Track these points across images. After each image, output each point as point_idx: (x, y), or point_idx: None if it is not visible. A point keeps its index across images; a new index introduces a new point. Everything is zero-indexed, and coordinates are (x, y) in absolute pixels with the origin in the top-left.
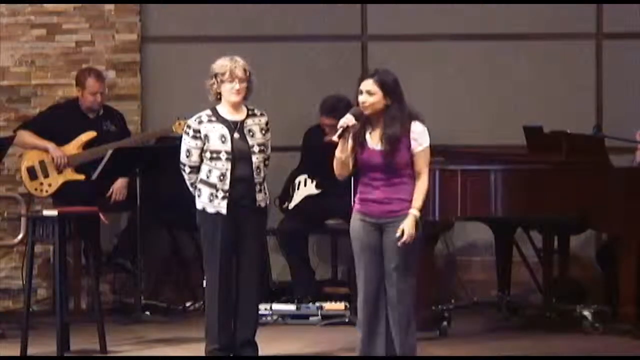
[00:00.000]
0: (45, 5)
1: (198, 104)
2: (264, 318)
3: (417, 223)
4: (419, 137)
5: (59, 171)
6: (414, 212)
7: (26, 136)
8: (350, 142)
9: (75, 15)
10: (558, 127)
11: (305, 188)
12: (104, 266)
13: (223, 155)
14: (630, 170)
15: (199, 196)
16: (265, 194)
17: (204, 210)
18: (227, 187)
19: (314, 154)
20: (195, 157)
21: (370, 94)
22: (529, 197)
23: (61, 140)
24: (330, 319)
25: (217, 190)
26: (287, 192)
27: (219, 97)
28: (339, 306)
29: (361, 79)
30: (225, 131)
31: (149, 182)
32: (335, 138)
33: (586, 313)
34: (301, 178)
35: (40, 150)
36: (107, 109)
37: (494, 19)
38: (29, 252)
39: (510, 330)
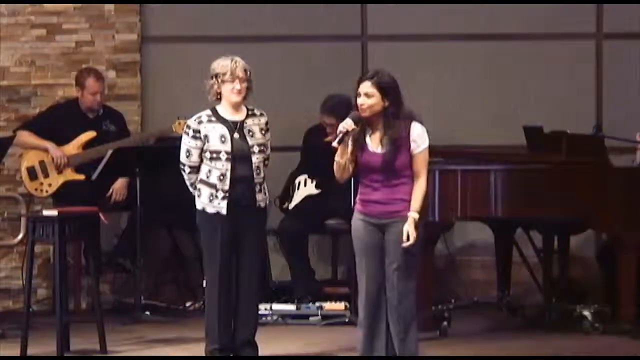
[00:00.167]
0: (45, 5)
1: (198, 104)
2: (264, 318)
3: (417, 226)
4: (418, 138)
5: (59, 171)
6: (413, 214)
7: (26, 136)
8: (350, 146)
9: (75, 15)
10: (558, 127)
11: (305, 188)
12: (104, 266)
13: (223, 156)
14: (630, 170)
15: (198, 196)
16: (265, 194)
17: (203, 210)
18: (227, 187)
19: (314, 154)
20: (195, 157)
21: (368, 97)
22: (529, 197)
23: (61, 140)
24: (330, 319)
25: (217, 191)
26: (287, 192)
27: (218, 97)
28: (339, 306)
29: (359, 81)
30: (225, 131)
31: (149, 182)
32: (335, 144)
33: (586, 313)
34: (301, 178)
35: (40, 150)
36: (107, 109)
37: (494, 19)
38: (29, 252)
39: (510, 330)
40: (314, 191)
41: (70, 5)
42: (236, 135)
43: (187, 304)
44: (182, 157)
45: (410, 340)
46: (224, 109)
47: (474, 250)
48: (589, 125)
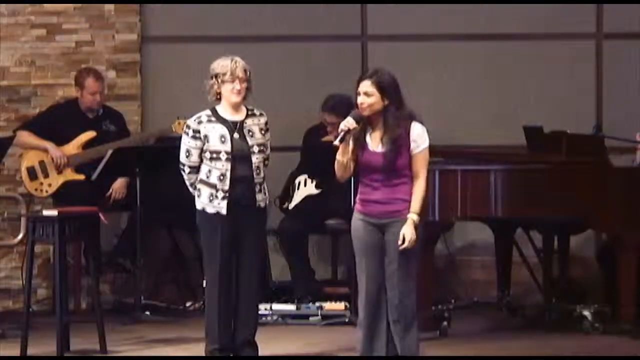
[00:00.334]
0: (45, 5)
1: (198, 104)
2: (264, 318)
3: (417, 227)
4: (418, 138)
5: (59, 171)
6: (412, 216)
7: (26, 136)
8: (350, 145)
9: (75, 15)
10: (558, 127)
11: (305, 188)
12: (104, 266)
13: (223, 156)
14: (630, 170)
15: (198, 196)
16: (265, 194)
17: (203, 210)
18: (227, 187)
19: (314, 154)
20: (194, 157)
21: (368, 95)
22: (529, 197)
23: (61, 140)
24: (330, 319)
25: (217, 191)
26: (287, 192)
27: (218, 98)
28: (339, 306)
29: (359, 80)
30: (224, 131)
31: (149, 182)
32: (336, 142)
33: (586, 313)
34: (301, 178)
35: (40, 150)
36: (107, 109)
37: (494, 19)
38: (29, 252)
39: (510, 330)
40: (314, 191)
41: (70, 5)
42: (236, 135)
43: (187, 304)
44: (182, 157)
45: (411, 340)
46: (223, 109)
47: (474, 250)
48: (589, 125)
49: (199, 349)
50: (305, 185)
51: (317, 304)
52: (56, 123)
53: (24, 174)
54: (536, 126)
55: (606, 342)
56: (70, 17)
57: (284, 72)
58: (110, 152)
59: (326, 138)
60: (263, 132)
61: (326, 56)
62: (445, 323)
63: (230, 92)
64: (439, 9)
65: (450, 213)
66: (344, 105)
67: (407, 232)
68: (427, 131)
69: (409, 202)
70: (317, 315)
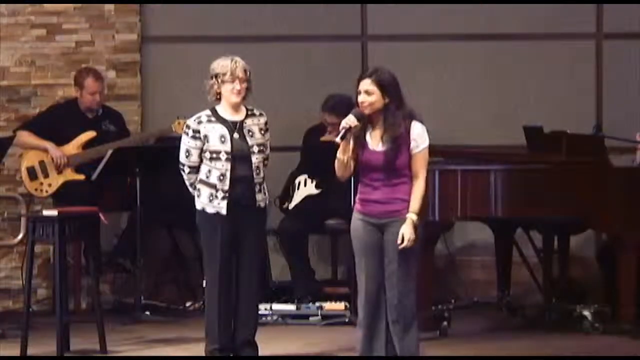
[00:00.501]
0: (45, 5)
1: (198, 104)
2: (264, 318)
3: (416, 227)
4: (418, 137)
5: (59, 171)
6: (411, 216)
7: (26, 136)
8: (351, 143)
9: (75, 15)
10: (558, 127)
11: (305, 188)
12: (104, 266)
13: (223, 156)
14: (630, 170)
15: (198, 196)
16: (265, 194)
17: (203, 210)
18: (226, 187)
19: (314, 154)
20: (194, 157)
21: (368, 94)
22: (529, 197)
23: (61, 140)
24: (330, 319)
25: (216, 191)
26: (287, 192)
27: (218, 98)
28: (339, 306)
29: (359, 79)
30: (224, 131)
31: (149, 182)
32: (337, 140)
33: (586, 313)
34: (301, 178)
35: (39, 150)
36: (107, 109)
37: (494, 19)
38: (29, 252)
39: (510, 330)
40: (314, 191)
41: (70, 5)
42: (236, 135)
43: (187, 304)
44: (182, 157)
45: (410, 340)
46: (223, 109)
47: (474, 250)
48: (589, 125)
49: (199, 349)
50: (305, 185)
51: (317, 304)
52: (56, 123)
53: (24, 174)
54: (536, 126)
55: (606, 342)
56: (70, 17)
57: (284, 72)
58: (110, 152)
59: (326, 137)
60: (263, 132)
61: (326, 56)
62: (445, 323)
63: (230, 92)
64: (439, 9)
65: (450, 213)
66: (344, 105)
67: (406, 232)
68: (427, 131)
69: (409, 202)
70: (317, 315)
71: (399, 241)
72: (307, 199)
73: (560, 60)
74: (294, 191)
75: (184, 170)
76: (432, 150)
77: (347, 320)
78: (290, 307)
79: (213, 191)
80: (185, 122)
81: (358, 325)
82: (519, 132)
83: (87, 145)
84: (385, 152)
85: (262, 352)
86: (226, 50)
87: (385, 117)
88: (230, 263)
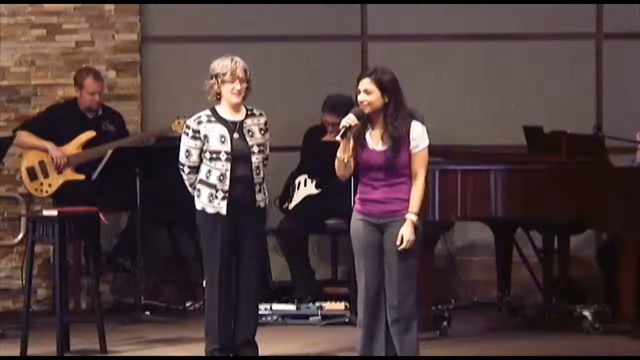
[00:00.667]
0: (45, 5)
1: (198, 104)
2: (264, 318)
3: (416, 227)
4: (418, 137)
5: (59, 171)
6: (411, 217)
7: (25, 137)
8: (351, 142)
9: (75, 15)
10: (558, 127)
11: (305, 188)
12: (104, 266)
13: (223, 156)
14: (630, 170)
15: (198, 196)
16: (265, 194)
17: (203, 210)
18: (226, 187)
19: (314, 154)
20: (194, 158)
21: (368, 93)
22: (529, 197)
23: (60, 140)
24: (330, 319)
25: (216, 191)
26: (287, 192)
27: (218, 98)
28: (339, 306)
29: (359, 78)
30: (224, 131)
31: (149, 182)
32: (338, 138)
33: (586, 313)
34: (301, 178)
35: (39, 150)
36: (106, 109)
37: (494, 19)
38: (29, 252)
39: (510, 330)
40: (314, 191)
41: (70, 5)
42: (236, 135)
43: (187, 304)
44: (182, 158)
45: (410, 340)
46: (223, 109)
47: (474, 250)
48: (589, 125)
49: (199, 349)
50: (305, 185)
51: (317, 304)
52: (56, 123)
53: (24, 174)
54: (536, 126)
55: (606, 342)
56: (70, 17)
57: (284, 72)
58: (110, 152)
59: (327, 138)
60: (263, 132)
61: (326, 56)
62: (445, 323)
63: (230, 93)
64: (439, 9)
65: (450, 213)
66: (344, 104)
67: (406, 233)
68: (427, 131)
69: (409, 201)
70: (317, 315)
71: (398, 242)
72: (307, 199)
73: (560, 60)
74: (294, 191)
75: (183, 171)
76: (432, 150)
77: (347, 320)
78: (290, 307)
79: (213, 191)
80: (185, 122)
81: (358, 325)
82: (519, 132)
83: (87, 145)
84: (385, 151)
85: (262, 352)
86: (226, 50)
87: (385, 117)
88: (230, 263)
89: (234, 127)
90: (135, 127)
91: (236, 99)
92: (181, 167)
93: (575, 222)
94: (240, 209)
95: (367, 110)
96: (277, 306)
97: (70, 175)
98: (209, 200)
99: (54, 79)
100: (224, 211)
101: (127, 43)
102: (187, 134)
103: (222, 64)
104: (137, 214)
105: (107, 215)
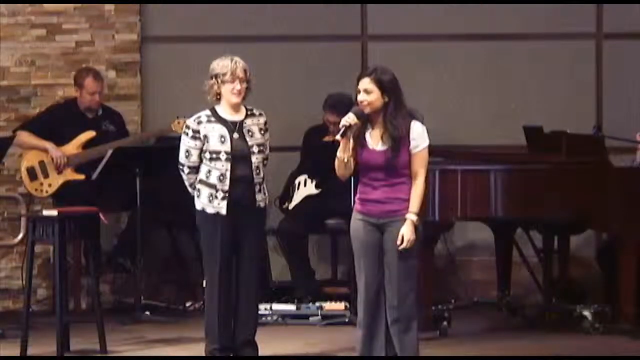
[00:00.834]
0: (45, 5)
1: (198, 104)
2: (264, 318)
3: (416, 227)
4: (418, 137)
5: (59, 171)
6: (411, 217)
7: (25, 137)
8: (351, 142)
9: (75, 15)
10: (558, 127)
11: (305, 188)
12: (104, 266)
13: (222, 156)
14: (630, 170)
15: (198, 196)
16: (265, 194)
17: (203, 210)
18: (226, 187)
19: (314, 154)
20: (194, 158)
21: (367, 93)
22: (529, 197)
23: (60, 140)
24: (330, 319)
25: (216, 191)
26: (287, 192)
27: (218, 98)
28: (339, 306)
29: (359, 78)
30: (224, 131)
31: (149, 182)
32: (337, 137)
33: (586, 313)
34: (301, 178)
35: (39, 150)
36: (106, 109)
37: (494, 19)
38: (29, 252)
39: (510, 330)
40: (314, 191)
41: (70, 5)
42: (235, 135)
43: (187, 304)
44: (182, 158)
45: (410, 340)
46: (223, 109)
47: (474, 250)
48: (589, 125)
49: (199, 349)
50: (305, 185)
51: (317, 304)
52: (55, 123)
53: (24, 174)
54: (536, 126)
55: (606, 342)
56: (70, 17)
57: (284, 72)
58: (110, 152)
59: (328, 138)
60: (262, 132)
61: (326, 56)
62: (445, 323)
63: (230, 93)
64: (439, 9)
65: (450, 213)
66: (344, 103)
67: (406, 233)
68: (427, 131)
69: (409, 201)
70: (317, 315)
71: (398, 242)
72: (307, 199)
73: (560, 60)
74: (294, 191)
75: (183, 171)
76: (432, 150)
77: (347, 320)
78: (290, 307)
79: (213, 191)
80: (184, 122)
81: (358, 325)
82: (519, 132)
83: (87, 145)
84: (385, 151)
85: (262, 352)
86: (226, 50)
87: (384, 116)
88: (230, 263)
89: (234, 127)
90: (135, 127)
91: (236, 99)
92: (181, 167)
93: (575, 222)
94: (240, 209)
95: (367, 110)
96: (277, 306)
97: (70, 175)
98: (209, 201)
99: (54, 79)
100: (223, 211)
101: (127, 43)
102: (187, 134)
103: (222, 64)
104: (137, 214)
105: (107, 215)
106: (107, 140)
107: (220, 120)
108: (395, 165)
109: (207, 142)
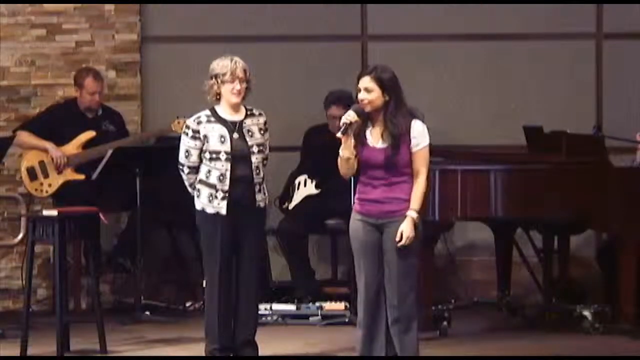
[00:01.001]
0: (45, 5)
1: (198, 104)
2: (264, 318)
3: (416, 225)
4: (419, 136)
5: (59, 171)
6: (412, 214)
7: (25, 137)
8: (352, 140)
9: (75, 15)
10: (558, 127)
11: (305, 188)
12: (104, 266)
13: (222, 156)
14: (630, 170)
15: (198, 196)
16: (265, 194)
17: (203, 210)
18: (226, 187)
19: (314, 154)
20: (194, 158)
21: (368, 91)
22: (529, 197)
23: (60, 140)
24: (330, 319)
25: (216, 191)
26: (287, 192)
27: (218, 98)
28: (339, 306)
29: (359, 77)
30: (224, 131)
31: (149, 182)
32: (339, 135)
33: (586, 313)
34: (301, 178)
35: (39, 150)
36: (106, 109)
37: (494, 19)
38: (29, 252)
39: (510, 330)
40: (314, 191)
41: (70, 5)
42: (235, 135)
43: (187, 304)
44: (181, 158)
45: (410, 340)
46: (223, 109)
47: (474, 250)
48: (589, 125)
49: (199, 349)
50: (305, 185)
51: (317, 304)
52: (55, 123)
53: (24, 174)
54: (536, 126)
55: (606, 342)
56: (70, 17)
57: (284, 72)
58: (110, 152)
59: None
60: (262, 132)
61: (326, 56)
62: (445, 323)
63: (230, 93)
64: (439, 9)
65: (450, 213)
66: (347, 97)
67: (406, 230)
68: (427, 130)
69: (408, 201)
70: (317, 315)
71: (397, 238)
72: (307, 199)
73: (560, 60)
74: (294, 191)
75: (183, 171)
76: (432, 150)
77: (347, 320)
78: (290, 307)
79: (213, 191)
80: (184, 122)
81: (358, 325)
82: (519, 132)
83: (87, 145)
84: (385, 149)
85: (262, 352)
86: (226, 50)
87: (385, 115)
88: (230, 263)
89: (234, 127)
90: (135, 127)
91: (236, 99)
92: (181, 167)
93: (575, 222)
94: (240, 209)
95: (368, 109)
96: (277, 306)
97: (70, 175)
98: (209, 201)
99: (54, 79)
100: (223, 211)
101: (127, 43)
102: (187, 134)
103: (221, 64)
104: (137, 214)
105: (107, 215)
106: (107, 140)
107: (220, 120)
108: (395, 164)
109: (207, 142)
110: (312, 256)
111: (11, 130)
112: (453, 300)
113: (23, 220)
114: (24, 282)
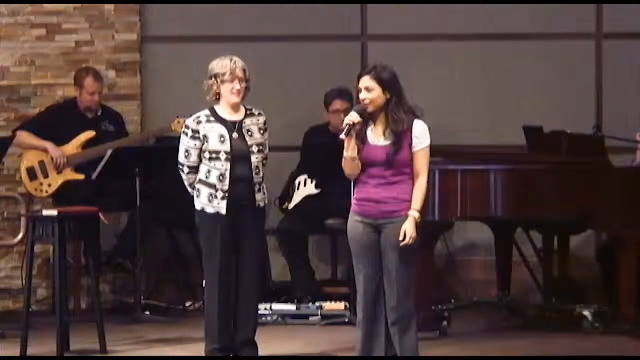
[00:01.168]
0: (45, 5)
1: (198, 104)
2: (264, 318)
3: (418, 225)
4: (421, 135)
5: (59, 171)
6: (414, 214)
7: (25, 137)
8: (354, 140)
9: (75, 15)
10: (558, 127)
11: (305, 188)
12: (104, 266)
13: (222, 156)
14: (630, 170)
15: (198, 196)
16: (265, 194)
17: (203, 210)
18: (226, 187)
19: (314, 154)
20: (194, 158)
21: (369, 91)
22: (529, 197)
23: (60, 140)
24: (330, 319)
25: (216, 191)
26: (287, 192)
27: (217, 98)
28: (339, 306)
29: (359, 77)
30: (224, 131)
31: (149, 182)
32: (342, 136)
33: (586, 313)
34: (301, 178)
35: (39, 150)
36: (106, 109)
37: (494, 19)
38: (29, 252)
39: (510, 330)
40: (314, 191)
41: (70, 5)
42: (235, 135)
43: (187, 304)
44: (181, 158)
45: (410, 340)
46: (222, 109)
47: (474, 250)
48: (589, 125)
49: (199, 349)
50: (305, 185)
51: (317, 304)
52: (55, 123)
53: (24, 174)
54: (536, 126)
55: (606, 342)
56: (70, 17)
57: (284, 72)
58: (110, 152)
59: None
60: (262, 132)
61: (326, 56)
62: (445, 323)
63: (230, 93)
64: (439, 9)
65: (450, 213)
66: (347, 92)
67: (409, 229)
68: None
69: (407, 201)
70: (317, 315)
71: (400, 237)
72: (307, 199)
73: (560, 60)
74: (294, 191)
75: (183, 171)
76: (433, 150)
77: (347, 320)
78: (290, 307)
79: (213, 191)
80: (184, 121)
81: (358, 325)
82: (519, 132)
83: (87, 145)
84: (387, 147)
85: (262, 352)
86: (226, 50)
87: (387, 113)
88: (230, 263)
89: (234, 127)
90: (135, 127)
91: (236, 99)
92: (180, 167)
93: (575, 222)
94: (240, 208)
95: (370, 108)
96: (277, 306)
97: (70, 175)
98: (209, 200)
99: (54, 79)
100: (223, 211)
101: (127, 43)
102: (187, 134)
103: (221, 64)
104: (137, 214)
105: (107, 215)
106: (106, 140)
107: (220, 120)
108: (395, 162)
109: (207, 142)
110: (312, 256)
111: (11, 130)
112: (453, 300)
113: (23, 220)
114: (24, 282)
